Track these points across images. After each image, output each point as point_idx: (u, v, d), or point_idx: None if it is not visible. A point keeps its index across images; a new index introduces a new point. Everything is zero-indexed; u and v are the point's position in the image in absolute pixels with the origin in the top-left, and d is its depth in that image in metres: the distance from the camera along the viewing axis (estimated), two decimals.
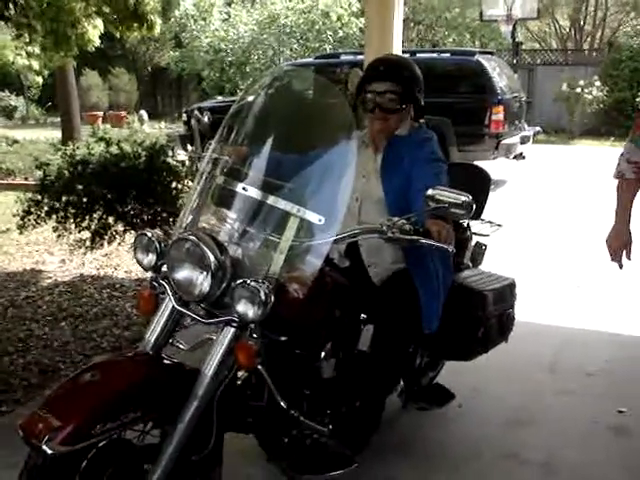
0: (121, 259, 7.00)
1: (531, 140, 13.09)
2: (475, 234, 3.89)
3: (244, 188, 2.52)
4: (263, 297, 2.31)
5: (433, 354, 3.59)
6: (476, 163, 4.37)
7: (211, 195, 2.65)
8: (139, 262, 2.62)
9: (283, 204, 2.45)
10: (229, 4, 26.34)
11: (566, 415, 3.97)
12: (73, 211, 5.52)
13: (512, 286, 3.75)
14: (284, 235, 2.44)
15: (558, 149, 17.53)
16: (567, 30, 26.81)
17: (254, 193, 2.50)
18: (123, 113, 24.75)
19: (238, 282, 2.36)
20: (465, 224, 3.78)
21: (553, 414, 3.98)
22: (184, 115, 12.67)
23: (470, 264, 3.88)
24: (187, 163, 5.76)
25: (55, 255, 7.28)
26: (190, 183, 5.39)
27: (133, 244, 2.67)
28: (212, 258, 2.36)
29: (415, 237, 2.52)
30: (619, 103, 20.13)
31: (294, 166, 2.67)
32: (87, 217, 5.54)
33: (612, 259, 3.42)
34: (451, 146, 11.28)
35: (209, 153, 2.67)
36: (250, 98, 2.80)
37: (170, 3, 12.65)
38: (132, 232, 5.66)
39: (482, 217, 3.93)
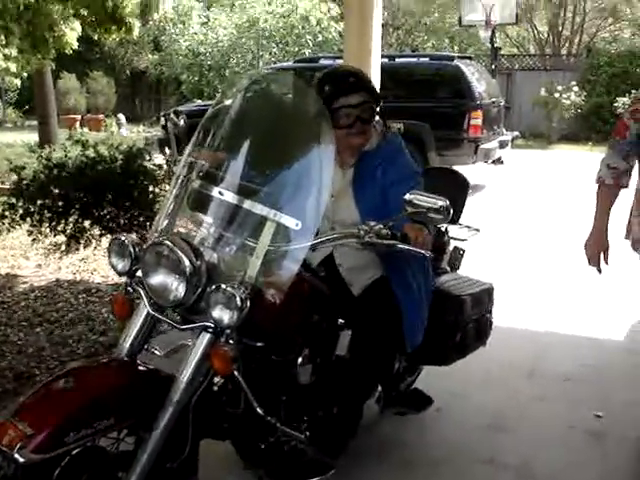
0: (98, 264, 6.93)
1: (509, 145, 13.13)
2: (453, 239, 3.89)
3: (220, 192, 2.50)
4: (239, 302, 2.29)
5: (411, 359, 3.57)
6: (455, 168, 4.36)
7: (187, 199, 2.63)
8: (113, 267, 2.60)
9: (259, 208, 2.43)
10: (208, 8, 26.29)
11: (543, 420, 3.97)
12: (48, 215, 5.47)
13: (490, 291, 3.76)
14: (260, 240, 2.42)
15: (536, 154, 17.61)
16: (545, 35, 26.94)
17: (230, 197, 2.48)
18: (101, 116, 24.57)
19: (213, 287, 2.33)
20: (443, 228, 3.77)
21: (531, 419, 3.98)
22: (162, 119, 12.58)
23: (448, 269, 3.88)
24: (164, 167, 5.73)
25: (31, 260, 7.19)
26: (168, 187, 5.35)
27: (108, 248, 2.64)
28: (187, 263, 2.33)
29: (392, 242, 2.51)
30: (597, 108, 20.27)
31: (271, 170, 2.65)
32: (62, 221, 5.49)
33: (590, 264, 3.44)
34: (430, 151, 11.30)
35: (185, 157, 2.65)
36: (227, 102, 2.78)
37: (149, 6, 12.59)
38: (109, 236, 5.61)
39: (460, 222, 3.93)
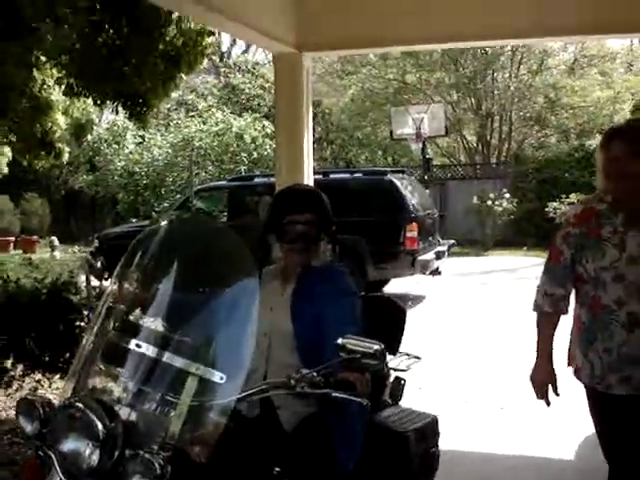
0: None
1: (446, 254, 13.23)
2: (393, 369, 3.72)
3: (137, 345, 2.30)
4: (158, 471, 2.07)
5: None
6: (394, 280, 4.25)
7: (103, 351, 2.42)
8: (22, 430, 2.36)
9: (180, 362, 2.24)
10: (143, 128, 26.47)
11: None
12: None
13: (434, 423, 3.55)
14: (182, 395, 2.22)
15: (473, 261, 17.82)
16: (475, 145, 27.71)
17: (148, 350, 2.29)
18: (35, 238, 24.23)
19: (131, 454, 2.11)
20: None
21: None
22: (96, 241, 12.55)
23: (390, 401, 3.70)
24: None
25: None
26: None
27: (16, 410, 2.41)
28: (100, 427, 2.11)
29: (326, 391, 2.35)
30: (529, 214, 20.74)
31: (192, 319, 2.47)
32: None
33: (538, 397, 3.29)
34: (367, 265, 11.35)
35: (101, 304, 2.47)
36: (147, 240, 2.62)
37: (83, 128, 12.62)
38: (34, 373, 5.34)
39: (400, 351, 3.79)
